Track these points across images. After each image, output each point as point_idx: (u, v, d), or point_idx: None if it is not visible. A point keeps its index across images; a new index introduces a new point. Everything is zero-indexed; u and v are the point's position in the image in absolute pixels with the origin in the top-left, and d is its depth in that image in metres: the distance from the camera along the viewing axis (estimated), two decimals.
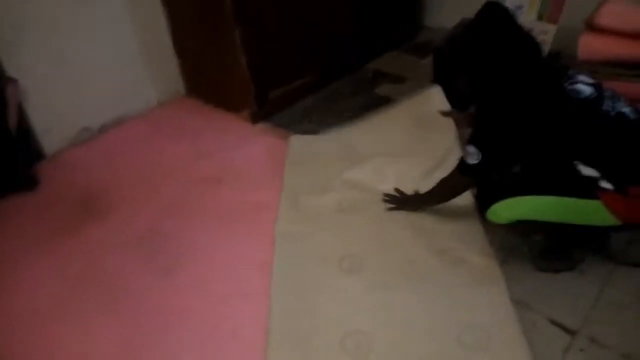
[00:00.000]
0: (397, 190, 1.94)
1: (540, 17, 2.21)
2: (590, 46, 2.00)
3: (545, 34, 2.22)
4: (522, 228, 1.58)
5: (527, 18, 2.25)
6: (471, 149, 1.44)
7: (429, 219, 1.83)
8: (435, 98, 2.18)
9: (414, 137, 2.10)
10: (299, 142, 2.33)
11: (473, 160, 1.44)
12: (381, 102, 2.61)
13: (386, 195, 1.93)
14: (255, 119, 2.56)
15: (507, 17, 1.42)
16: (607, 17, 1.95)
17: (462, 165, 1.52)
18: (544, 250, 1.66)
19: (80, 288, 1.70)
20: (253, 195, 2.06)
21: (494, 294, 1.54)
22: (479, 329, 1.44)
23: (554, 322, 1.48)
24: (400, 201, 1.90)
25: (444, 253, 1.70)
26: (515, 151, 1.44)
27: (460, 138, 2.13)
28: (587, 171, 1.37)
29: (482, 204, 1.56)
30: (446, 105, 2.08)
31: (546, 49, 2.26)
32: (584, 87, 1.38)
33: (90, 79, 2.44)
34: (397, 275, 1.64)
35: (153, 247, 1.84)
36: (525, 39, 1.43)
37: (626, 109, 1.38)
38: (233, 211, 1.99)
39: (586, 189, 1.37)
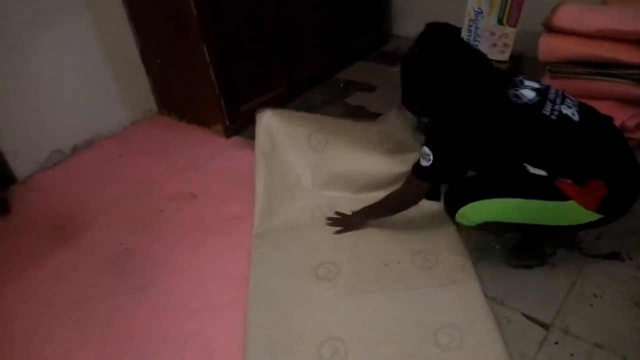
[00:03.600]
0: (337, 213, 1.92)
1: (500, 21, 2.27)
2: (549, 47, 2.06)
3: (507, 37, 2.27)
4: (493, 229, 1.61)
5: (487, 22, 2.30)
6: (425, 149, 1.48)
7: (402, 222, 1.84)
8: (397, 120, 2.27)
9: (381, 150, 2.07)
10: (267, 123, 2.05)
11: (426, 162, 1.48)
12: (353, 111, 2.64)
13: (329, 218, 1.90)
14: (228, 132, 2.56)
15: (455, 36, 1.52)
16: (563, 19, 2.01)
17: (418, 168, 1.54)
18: (515, 247, 1.69)
19: (53, 311, 1.68)
20: (228, 209, 2.06)
21: (468, 292, 1.57)
22: (454, 328, 1.45)
23: (528, 317, 1.50)
24: (346, 222, 1.87)
25: (418, 255, 1.72)
26: (463, 152, 1.47)
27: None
28: (534, 171, 1.41)
29: (451, 207, 1.59)
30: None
31: (508, 51, 2.32)
32: (527, 92, 1.42)
33: (59, 100, 2.42)
34: (371, 280, 1.65)
35: (126, 266, 1.82)
36: (472, 53, 1.50)
37: (569, 111, 1.40)
38: (208, 225, 1.99)
39: (555, 191, 1.38)
